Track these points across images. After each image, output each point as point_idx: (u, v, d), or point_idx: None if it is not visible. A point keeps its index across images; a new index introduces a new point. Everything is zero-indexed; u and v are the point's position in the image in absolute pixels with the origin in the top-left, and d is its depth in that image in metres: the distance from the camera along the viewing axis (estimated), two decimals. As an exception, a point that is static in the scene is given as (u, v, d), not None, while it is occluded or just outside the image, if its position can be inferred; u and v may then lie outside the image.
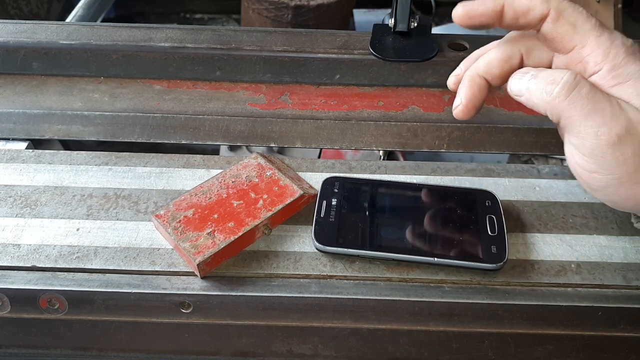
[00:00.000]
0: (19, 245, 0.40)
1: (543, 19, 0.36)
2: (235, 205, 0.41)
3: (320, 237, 0.40)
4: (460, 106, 0.39)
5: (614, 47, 0.35)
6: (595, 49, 0.35)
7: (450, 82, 0.41)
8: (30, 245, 0.40)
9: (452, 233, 0.41)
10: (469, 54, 0.54)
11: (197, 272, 0.38)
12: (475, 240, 0.40)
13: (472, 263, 0.39)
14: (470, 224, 0.41)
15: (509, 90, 0.38)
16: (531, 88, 0.36)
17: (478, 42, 0.56)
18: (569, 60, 0.37)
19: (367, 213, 0.42)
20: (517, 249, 0.41)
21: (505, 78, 0.39)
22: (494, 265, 0.39)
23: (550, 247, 0.41)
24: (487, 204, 0.43)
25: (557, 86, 0.34)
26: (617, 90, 0.35)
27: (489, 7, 0.37)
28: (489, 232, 0.41)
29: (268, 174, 0.44)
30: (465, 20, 0.37)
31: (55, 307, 0.39)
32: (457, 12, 0.38)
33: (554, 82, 0.35)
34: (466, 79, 0.39)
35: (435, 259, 0.39)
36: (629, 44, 0.36)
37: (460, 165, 0.48)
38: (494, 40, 0.58)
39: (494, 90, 0.40)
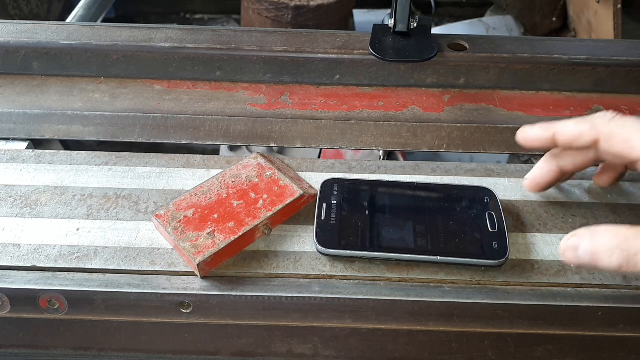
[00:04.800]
0: (19, 245, 0.40)
1: (595, 143, 0.37)
2: (235, 205, 0.41)
3: (322, 240, 0.40)
4: (529, 181, 0.44)
5: None
6: None
7: (520, 136, 0.43)
8: (30, 245, 0.40)
9: (453, 231, 0.41)
10: (469, 54, 0.55)
11: (197, 272, 0.38)
12: (477, 238, 0.40)
13: (475, 260, 0.39)
14: (470, 222, 0.41)
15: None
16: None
17: (478, 42, 0.57)
18: None
19: (367, 214, 0.42)
20: (517, 249, 0.41)
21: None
22: (497, 261, 0.39)
23: (550, 247, 0.41)
24: (485, 200, 0.43)
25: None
26: None
27: (542, 135, 0.40)
28: (490, 229, 0.41)
29: (268, 174, 0.44)
30: (524, 143, 0.42)
31: (55, 307, 0.39)
32: (518, 136, 0.42)
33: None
34: (546, 164, 0.42)
35: (439, 257, 0.39)
36: None
37: (460, 166, 0.48)
38: (494, 40, 0.58)
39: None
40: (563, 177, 0.43)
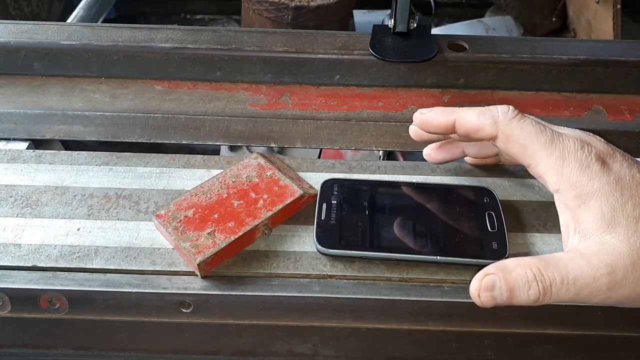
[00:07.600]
0: (19, 245, 0.40)
1: (493, 138, 0.37)
2: (235, 205, 0.41)
3: (322, 240, 0.40)
4: (419, 120, 0.41)
5: (567, 166, 0.34)
6: (548, 169, 0.35)
7: (412, 129, 0.43)
8: (31, 245, 0.40)
9: (452, 231, 0.41)
10: (469, 54, 0.55)
11: (197, 272, 0.39)
12: (476, 237, 0.40)
13: (474, 260, 0.39)
14: (470, 221, 0.41)
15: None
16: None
17: (477, 43, 0.57)
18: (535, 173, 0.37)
19: (367, 214, 0.42)
20: (517, 249, 0.41)
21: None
22: (496, 261, 0.39)
23: (550, 247, 0.42)
24: (485, 200, 0.43)
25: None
26: (583, 213, 0.34)
27: (441, 121, 0.40)
28: (489, 229, 0.41)
29: (268, 174, 0.44)
30: (421, 127, 0.41)
31: (56, 306, 0.39)
32: (414, 120, 0.42)
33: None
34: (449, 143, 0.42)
35: (438, 257, 0.39)
36: (586, 159, 0.34)
37: (460, 165, 0.48)
38: (494, 40, 0.58)
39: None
40: (456, 151, 0.44)
